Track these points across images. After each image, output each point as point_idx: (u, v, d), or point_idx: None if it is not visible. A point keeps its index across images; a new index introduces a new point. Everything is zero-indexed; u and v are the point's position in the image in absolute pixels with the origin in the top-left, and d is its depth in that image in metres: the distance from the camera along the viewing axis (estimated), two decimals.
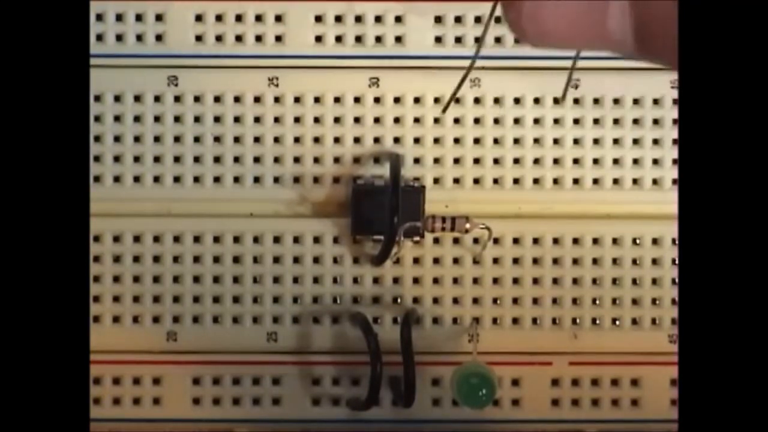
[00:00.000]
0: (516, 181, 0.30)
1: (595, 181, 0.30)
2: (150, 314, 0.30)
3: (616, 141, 0.30)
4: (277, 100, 0.29)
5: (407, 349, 0.28)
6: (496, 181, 0.30)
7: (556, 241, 0.30)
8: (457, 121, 0.29)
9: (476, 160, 0.30)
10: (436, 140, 0.30)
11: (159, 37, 0.29)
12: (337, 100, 0.29)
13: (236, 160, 0.29)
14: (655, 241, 0.30)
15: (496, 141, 0.30)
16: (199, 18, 0.29)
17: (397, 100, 0.29)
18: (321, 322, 0.30)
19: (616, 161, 0.30)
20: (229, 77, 0.29)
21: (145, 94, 0.29)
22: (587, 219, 0.30)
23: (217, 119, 0.29)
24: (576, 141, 0.30)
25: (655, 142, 0.30)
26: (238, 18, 0.29)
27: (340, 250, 0.30)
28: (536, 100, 0.30)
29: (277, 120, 0.29)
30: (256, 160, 0.29)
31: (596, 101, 0.30)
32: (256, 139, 0.29)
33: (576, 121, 0.30)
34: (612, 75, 0.30)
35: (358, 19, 0.29)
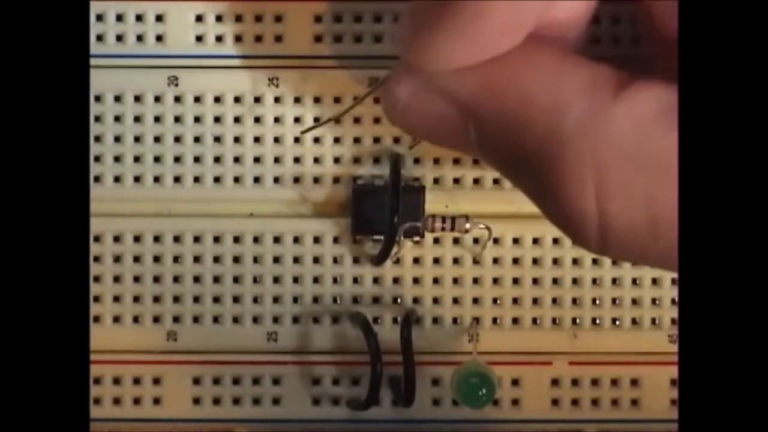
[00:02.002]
0: None
1: None
2: (150, 314, 0.30)
3: None
4: (277, 100, 0.29)
5: (407, 349, 0.28)
6: (496, 181, 0.30)
7: (556, 241, 0.30)
8: None
9: (476, 160, 0.30)
10: None
11: (159, 38, 0.29)
12: (336, 100, 0.29)
13: (236, 160, 0.29)
14: None
15: None
16: (199, 18, 0.29)
17: None
18: (321, 322, 0.30)
19: None
20: (229, 77, 0.29)
21: (146, 95, 0.29)
22: None
23: (217, 119, 0.29)
24: None
25: None
26: (238, 18, 0.29)
27: (340, 250, 0.30)
28: None
29: (277, 120, 0.29)
30: (256, 160, 0.29)
31: None
32: (256, 139, 0.29)
33: None
34: None
35: (357, 19, 0.29)
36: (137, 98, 0.29)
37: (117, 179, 0.29)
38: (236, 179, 0.30)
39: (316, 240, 0.30)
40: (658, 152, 0.22)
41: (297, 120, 0.29)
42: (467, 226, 0.29)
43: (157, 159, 0.29)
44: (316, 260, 0.30)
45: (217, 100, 0.29)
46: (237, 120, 0.29)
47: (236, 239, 0.30)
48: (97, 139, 0.29)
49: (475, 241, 0.30)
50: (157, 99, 0.29)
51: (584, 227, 0.23)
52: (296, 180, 0.30)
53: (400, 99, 0.25)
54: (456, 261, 0.30)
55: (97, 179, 0.29)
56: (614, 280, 0.30)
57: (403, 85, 0.24)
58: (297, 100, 0.29)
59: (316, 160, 0.30)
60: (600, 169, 0.22)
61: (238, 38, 0.29)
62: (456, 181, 0.30)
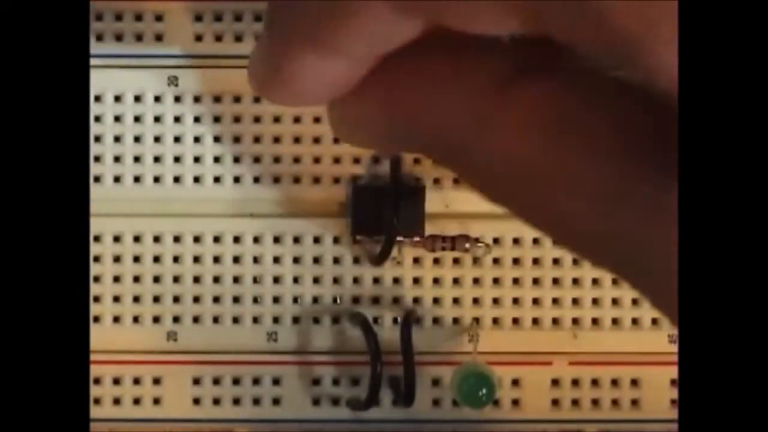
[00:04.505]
0: None
1: None
2: (150, 314, 0.30)
3: None
4: None
5: (407, 349, 0.28)
6: None
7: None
8: None
9: None
10: None
11: (159, 37, 0.29)
12: None
13: (236, 159, 0.29)
14: None
15: None
16: (198, 18, 0.29)
17: None
18: (321, 322, 0.30)
19: None
20: (228, 77, 0.29)
21: (145, 94, 0.29)
22: None
23: (216, 119, 0.29)
24: None
25: None
26: (237, 18, 0.29)
27: (340, 251, 0.30)
28: None
29: (276, 120, 0.29)
30: (256, 159, 0.29)
31: None
32: (256, 139, 0.29)
33: None
34: None
35: None
36: (137, 98, 0.29)
37: (117, 179, 0.29)
38: (236, 179, 0.30)
39: (316, 240, 0.30)
40: None
41: (297, 120, 0.29)
42: (467, 245, 0.29)
43: (156, 159, 0.29)
44: (315, 260, 0.30)
45: (216, 99, 0.29)
46: (236, 119, 0.29)
47: (236, 239, 0.30)
48: (97, 139, 0.29)
49: (477, 240, 0.30)
50: (157, 99, 0.29)
51: None
52: (295, 180, 0.30)
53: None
54: (456, 261, 0.30)
55: (96, 179, 0.29)
56: (614, 281, 0.30)
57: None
58: None
59: (316, 160, 0.30)
60: None
61: (237, 38, 0.29)
62: (456, 181, 0.30)
